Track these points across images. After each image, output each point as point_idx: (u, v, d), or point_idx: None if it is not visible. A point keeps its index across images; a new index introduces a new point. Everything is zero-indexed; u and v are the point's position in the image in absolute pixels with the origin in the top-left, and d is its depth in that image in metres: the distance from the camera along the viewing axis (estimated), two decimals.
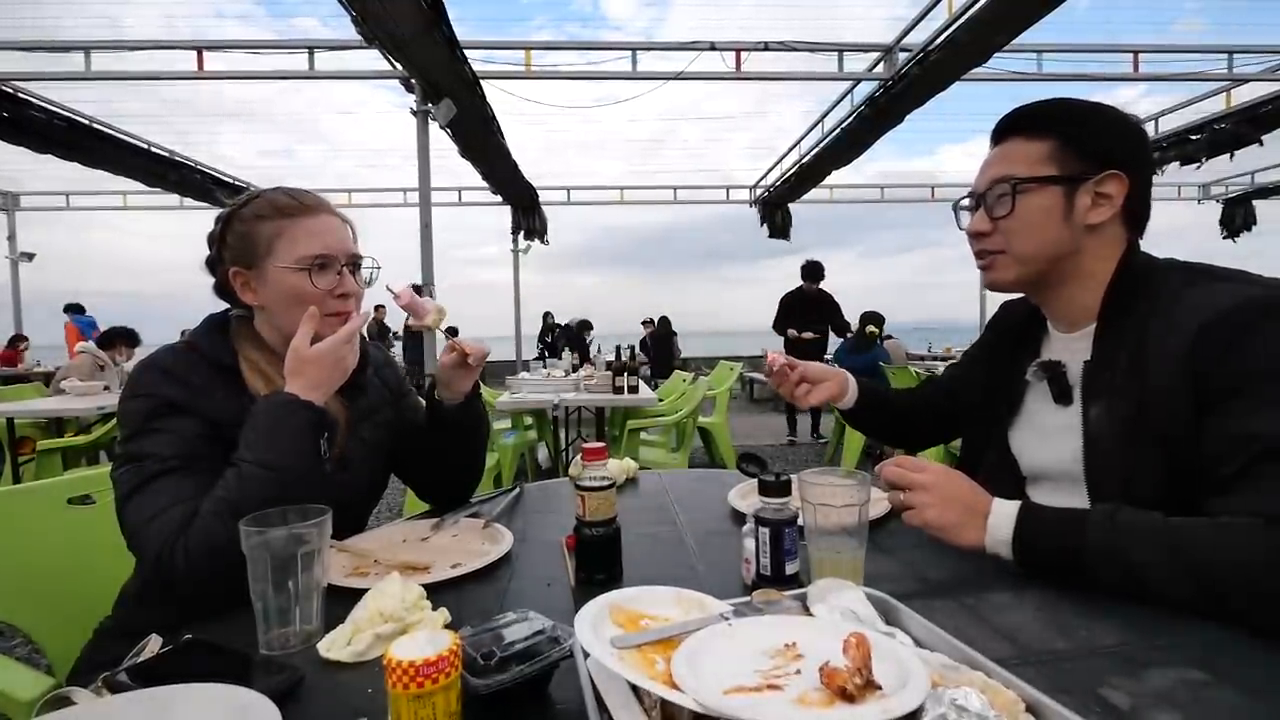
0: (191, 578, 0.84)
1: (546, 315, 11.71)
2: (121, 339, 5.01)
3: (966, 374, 1.27)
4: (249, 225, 1.02)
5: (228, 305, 1.10)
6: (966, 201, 1.03)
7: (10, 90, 6.04)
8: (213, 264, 1.08)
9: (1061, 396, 0.97)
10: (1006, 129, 0.98)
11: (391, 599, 0.71)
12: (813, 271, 6.29)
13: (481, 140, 6.97)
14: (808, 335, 6.16)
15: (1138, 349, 0.87)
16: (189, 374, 0.97)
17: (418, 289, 1.21)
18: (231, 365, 1.01)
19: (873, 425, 1.36)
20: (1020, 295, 1.08)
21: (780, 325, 6.28)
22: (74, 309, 9.21)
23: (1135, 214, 0.94)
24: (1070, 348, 0.99)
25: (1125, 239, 0.95)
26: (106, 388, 4.37)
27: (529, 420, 4.45)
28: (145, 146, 8.07)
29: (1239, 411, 0.76)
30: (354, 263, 1.06)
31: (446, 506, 1.22)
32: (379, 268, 1.10)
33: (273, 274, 1.01)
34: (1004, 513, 0.82)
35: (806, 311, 6.22)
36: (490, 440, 4.02)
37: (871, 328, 5.89)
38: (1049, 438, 0.99)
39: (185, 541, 0.85)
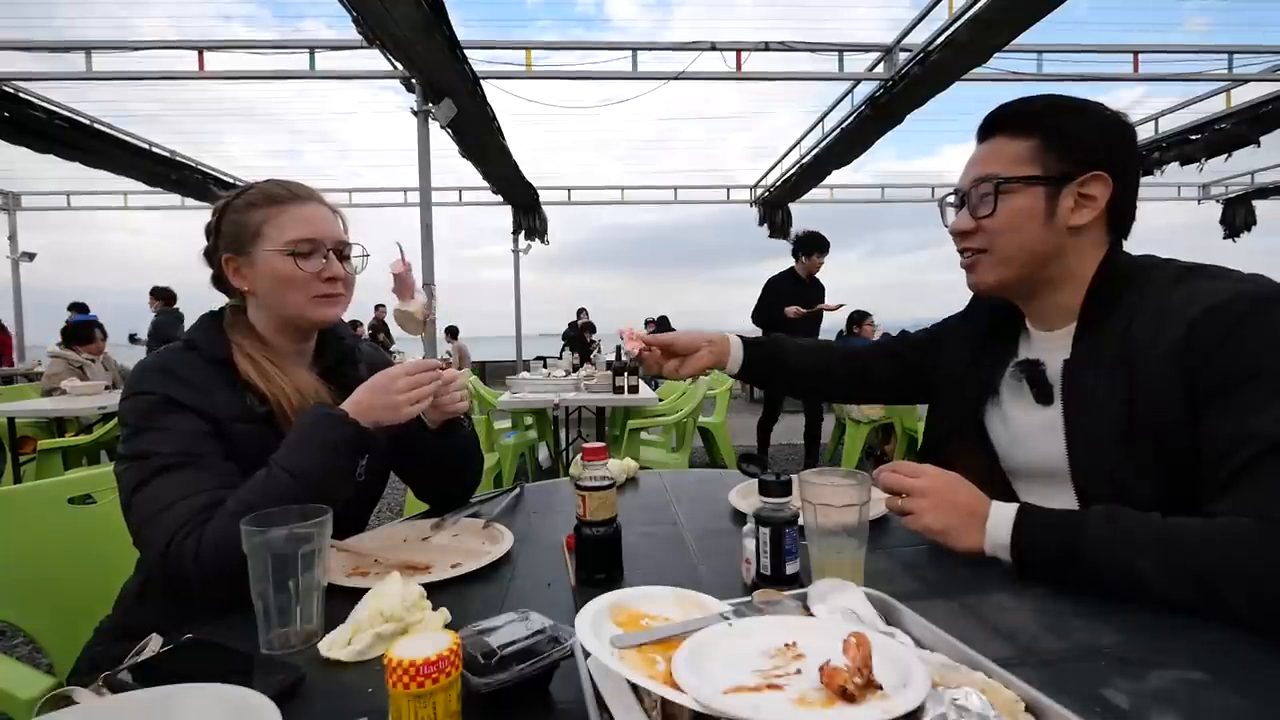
0: (200, 573, 0.84)
1: (580, 312, 11.74)
2: (75, 340, 4.78)
3: (933, 348, 1.22)
4: (241, 214, 1.05)
5: (225, 299, 1.12)
6: (952, 198, 1.02)
7: (11, 90, 6.04)
8: (209, 254, 1.10)
9: (1042, 397, 0.96)
10: (991, 126, 0.97)
11: (392, 599, 0.71)
12: (815, 242, 4.82)
13: (482, 140, 6.97)
14: (826, 307, 4.73)
15: (1123, 347, 0.86)
16: (187, 372, 0.98)
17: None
18: (227, 359, 1.02)
19: (775, 384, 1.37)
20: None
21: (765, 314, 4.85)
22: (77, 308, 9.20)
23: (1119, 217, 0.93)
24: (1049, 346, 0.98)
25: (1107, 242, 0.94)
26: (108, 387, 4.37)
27: (529, 420, 4.45)
28: (146, 146, 8.08)
29: (1236, 409, 0.76)
30: (341, 250, 1.09)
31: (445, 508, 1.22)
32: (368, 255, 1.13)
33: (261, 258, 1.04)
34: (1003, 516, 0.82)
35: (806, 300, 4.83)
36: (490, 440, 4.05)
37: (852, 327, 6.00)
38: (1030, 436, 0.98)
39: (198, 537, 0.85)
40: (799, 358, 1.30)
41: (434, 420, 1.15)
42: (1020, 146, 0.92)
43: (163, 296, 6.89)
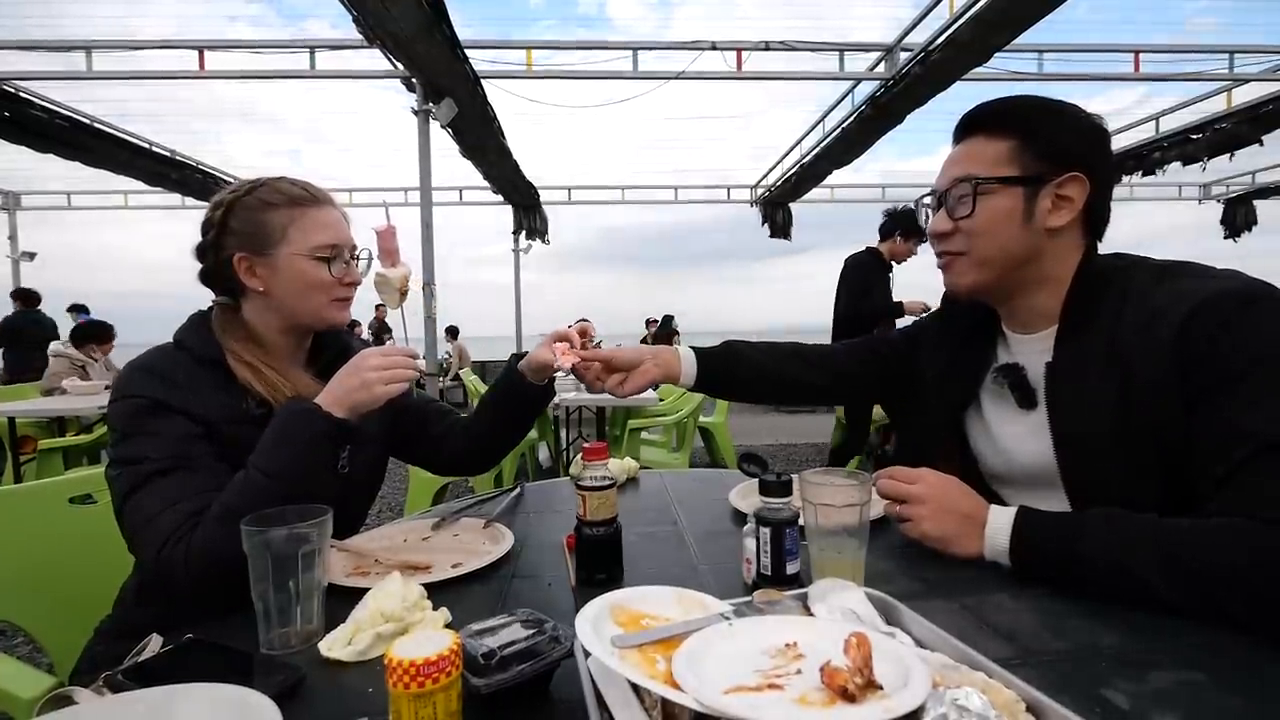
0: (189, 579, 0.84)
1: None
2: (90, 338, 4.89)
3: (910, 349, 1.20)
4: (258, 212, 1.03)
5: (213, 294, 1.10)
6: (929, 200, 1.01)
7: (12, 90, 6.04)
8: (204, 250, 1.06)
9: (1025, 401, 0.95)
10: (969, 126, 0.96)
11: (392, 598, 0.71)
12: (917, 224, 3.87)
13: (482, 140, 6.97)
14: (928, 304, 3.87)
15: (1111, 347, 0.85)
16: (175, 372, 0.97)
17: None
18: (218, 359, 1.00)
19: (736, 393, 1.28)
20: None
21: (855, 304, 3.97)
22: (78, 309, 9.20)
23: (1095, 218, 0.93)
24: (1028, 349, 0.97)
25: (1083, 244, 0.93)
26: (108, 387, 4.37)
27: None
28: (146, 146, 8.08)
29: (1228, 407, 0.75)
30: (354, 253, 1.11)
31: (475, 471, 1.31)
32: (372, 259, 1.14)
33: (286, 261, 1.02)
34: (1001, 522, 0.82)
35: (890, 288, 4.03)
36: None
37: None
38: (1015, 442, 0.97)
39: (187, 543, 0.85)
40: (763, 363, 1.22)
41: (541, 376, 1.18)
42: (998, 147, 0.92)
43: (23, 298, 7.03)
